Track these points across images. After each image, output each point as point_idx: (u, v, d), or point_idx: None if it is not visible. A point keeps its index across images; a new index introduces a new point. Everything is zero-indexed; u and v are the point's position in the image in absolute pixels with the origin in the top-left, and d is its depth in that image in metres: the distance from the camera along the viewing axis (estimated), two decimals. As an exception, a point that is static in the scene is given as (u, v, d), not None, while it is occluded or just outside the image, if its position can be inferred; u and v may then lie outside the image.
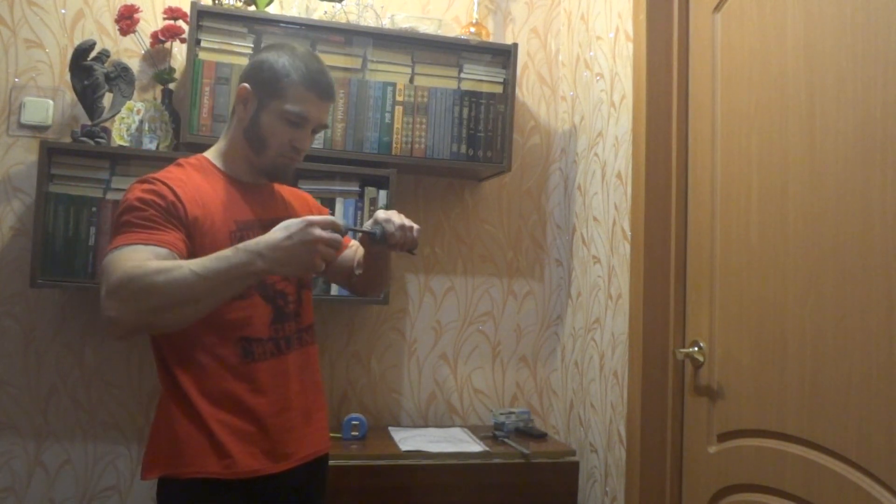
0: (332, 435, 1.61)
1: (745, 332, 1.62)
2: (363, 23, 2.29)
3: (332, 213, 2.08)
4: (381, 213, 1.43)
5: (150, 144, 2.08)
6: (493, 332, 2.48)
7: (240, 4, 2.17)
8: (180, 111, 2.14)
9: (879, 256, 1.28)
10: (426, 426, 2.37)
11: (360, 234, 1.50)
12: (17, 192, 2.13)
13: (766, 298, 1.56)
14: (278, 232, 1.20)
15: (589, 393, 2.21)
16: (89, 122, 2.04)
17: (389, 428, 2.29)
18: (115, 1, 2.21)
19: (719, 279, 1.73)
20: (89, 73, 2.02)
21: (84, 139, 2.00)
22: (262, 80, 1.42)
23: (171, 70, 2.18)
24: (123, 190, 1.49)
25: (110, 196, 1.99)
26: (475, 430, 2.30)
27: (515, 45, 2.29)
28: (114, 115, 2.07)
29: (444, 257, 2.46)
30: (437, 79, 2.23)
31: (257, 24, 2.11)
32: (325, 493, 1.56)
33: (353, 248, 1.66)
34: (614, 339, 2.07)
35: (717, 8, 1.78)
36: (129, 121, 2.08)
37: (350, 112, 2.15)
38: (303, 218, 1.22)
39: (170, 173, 1.39)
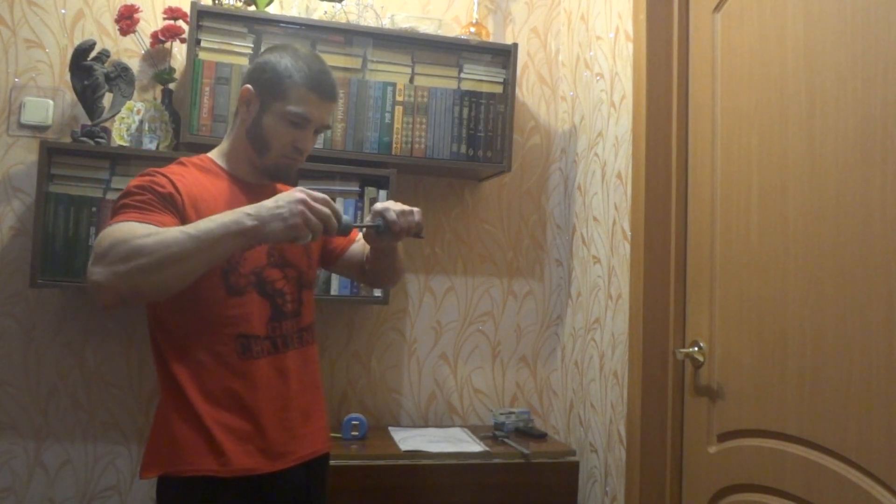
0: (332, 435, 1.61)
1: (745, 332, 1.62)
2: (363, 23, 2.29)
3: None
4: (377, 206, 1.44)
5: (150, 144, 2.09)
6: (493, 332, 2.48)
7: (240, 4, 2.17)
8: (180, 111, 2.14)
9: (879, 256, 1.28)
10: (426, 426, 2.37)
11: (364, 230, 1.51)
12: (17, 192, 2.13)
13: (766, 298, 1.56)
14: (269, 199, 1.25)
15: (589, 393, 2.21)
16: (89, 122, 2.04)
17: (389, 428, 2.29)
18: (115, 1, 2.21)
19: (719, 279, 1.73)
20: (89, 73, 2.02)
21: (84, 139, 2.00)
22: (264, 82, 1.42)
23: (171, 70, 2.18)
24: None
25: (110, 196, 1.99)
26: (475, 430, 2.30)
27: (515, 45, 2.28)
28: (114, 115, 2.07)
29: (444, 257, 2.46)
30: (437, 79, 2.23)
31: (257, 24, 2.11)
32: (325, 494, 1.56)
33: (362, 243, 1.67)
34: (614, 339, 2.07)
35: (717, 8, 1.78)
36: (129, 121, 2.08)
37: (350, 112, 2.15)
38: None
39: (170, 168, 1.40)
